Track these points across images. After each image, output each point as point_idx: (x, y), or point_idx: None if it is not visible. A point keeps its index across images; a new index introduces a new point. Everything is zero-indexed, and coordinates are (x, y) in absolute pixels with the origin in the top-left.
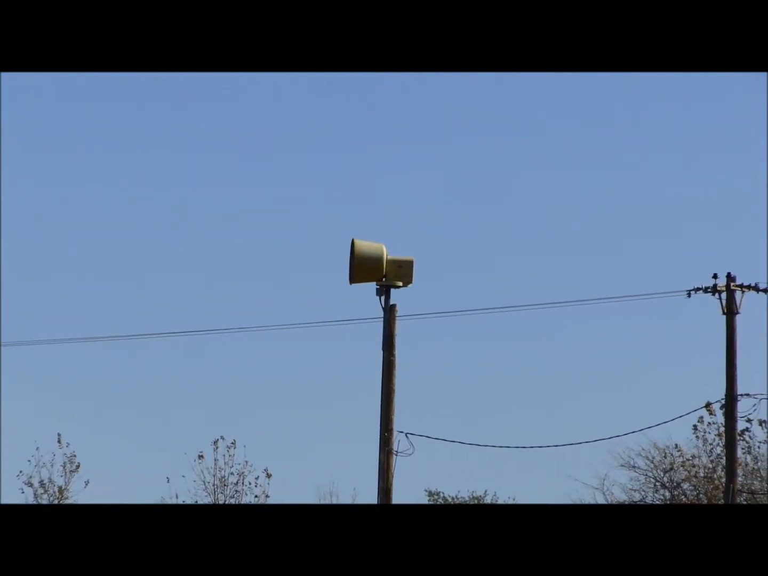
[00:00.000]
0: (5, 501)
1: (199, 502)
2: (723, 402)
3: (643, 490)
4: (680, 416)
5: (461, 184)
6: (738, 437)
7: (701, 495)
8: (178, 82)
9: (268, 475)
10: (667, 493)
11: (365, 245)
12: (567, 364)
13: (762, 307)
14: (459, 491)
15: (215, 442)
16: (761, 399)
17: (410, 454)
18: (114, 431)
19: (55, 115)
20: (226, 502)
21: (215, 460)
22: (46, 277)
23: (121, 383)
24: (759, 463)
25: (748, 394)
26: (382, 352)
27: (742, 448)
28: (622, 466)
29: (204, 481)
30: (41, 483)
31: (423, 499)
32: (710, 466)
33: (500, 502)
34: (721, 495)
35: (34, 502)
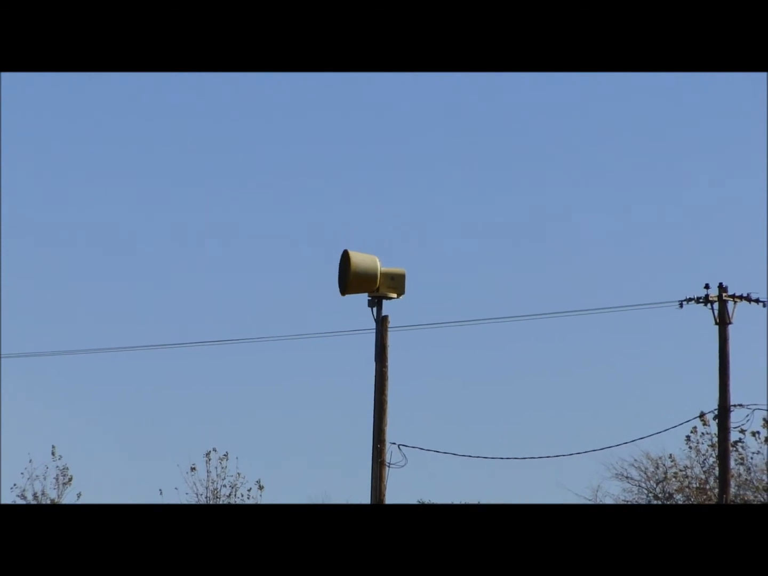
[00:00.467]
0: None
1: None
2: (716, 412)
3: (636, 501)
4: (673, 426)
5: (452, 194)
6: (731, 448)
7: None
8: (179, 82)
9: (261, 487)
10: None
11: (360, 257)
12: (559, 374)
13: (755, 317)
14: (451, 503)
15: (207, 454)
16: (754, 409)
17: (403, 466)
18: (106, 443)
19: (55, 115)
20: None
21: (207, 472)
22: (40, 288)
23: (112, 395)
24: (752, 474)
25: (741, 405)
26: (374, 363)
27: (735, 459)
28: (615, 476)
29: (196, 494)
30: (35, 496)
31: None
32: (703, 477)
33: None
34: None
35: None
